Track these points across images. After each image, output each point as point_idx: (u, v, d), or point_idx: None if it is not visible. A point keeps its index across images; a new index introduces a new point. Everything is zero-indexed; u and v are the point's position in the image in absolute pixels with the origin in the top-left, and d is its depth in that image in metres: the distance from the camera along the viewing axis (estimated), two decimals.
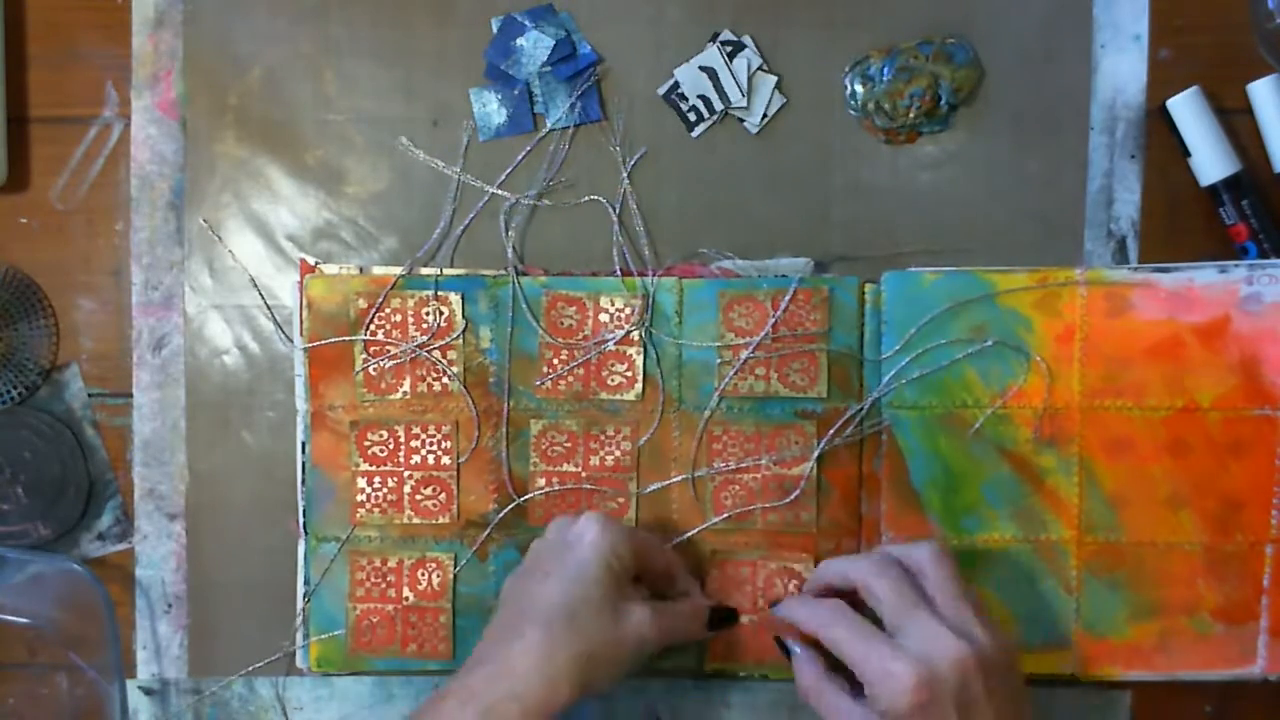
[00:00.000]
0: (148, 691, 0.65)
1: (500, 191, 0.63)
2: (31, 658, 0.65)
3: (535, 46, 0.62)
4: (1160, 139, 0.62)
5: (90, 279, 0.64)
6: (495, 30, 0.63)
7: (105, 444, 0.65)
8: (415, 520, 0.63)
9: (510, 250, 0.63)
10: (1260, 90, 0.61)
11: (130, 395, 0.64)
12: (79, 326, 0.65)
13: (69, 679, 0.65)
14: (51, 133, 0.64)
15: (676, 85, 0.63)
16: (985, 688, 0.51)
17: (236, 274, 0.64)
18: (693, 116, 0.63)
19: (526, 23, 0.62)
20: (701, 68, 0.62)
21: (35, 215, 0.64)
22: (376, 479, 0.63)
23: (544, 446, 0.63)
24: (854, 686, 0.54)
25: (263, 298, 0.64)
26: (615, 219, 0.63)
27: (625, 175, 0.63)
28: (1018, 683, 0.53)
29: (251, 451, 0.64)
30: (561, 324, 0.63)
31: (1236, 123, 0.62)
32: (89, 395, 0.65)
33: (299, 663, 0.64)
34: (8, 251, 0.64)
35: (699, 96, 0.63)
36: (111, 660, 0.63)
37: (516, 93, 0.63)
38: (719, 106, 0.63)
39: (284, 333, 0.63)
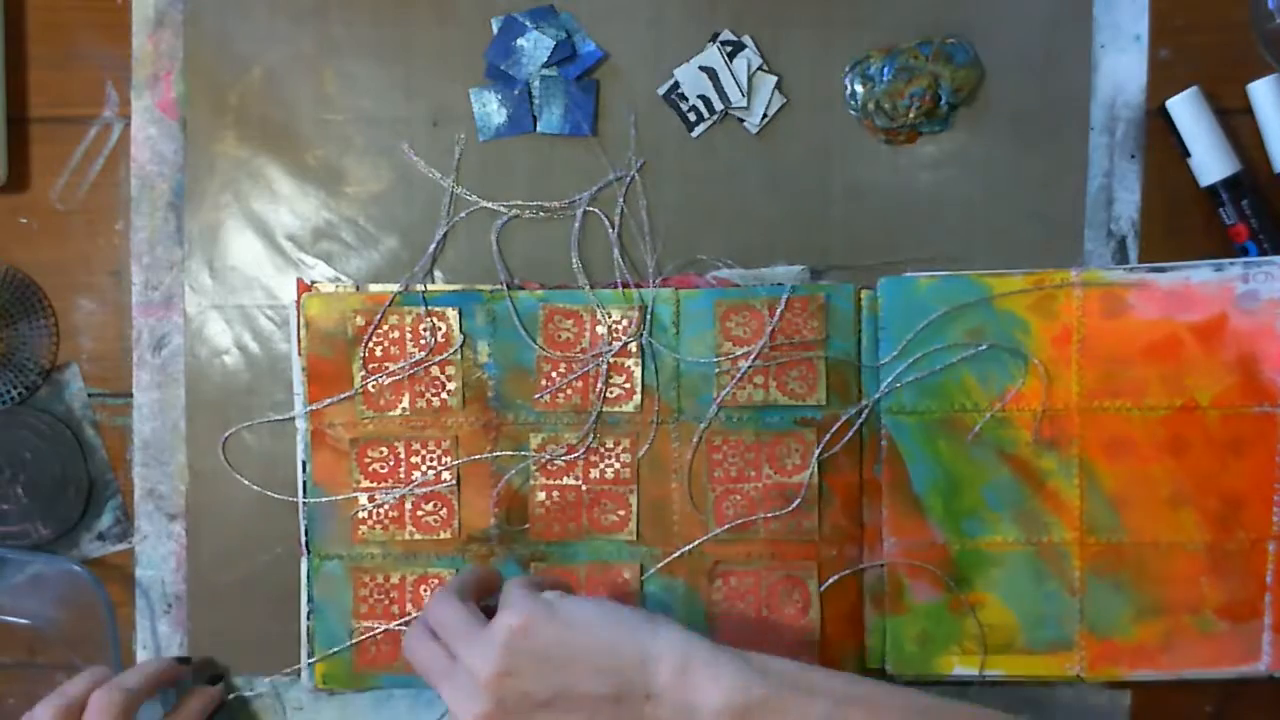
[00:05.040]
0: None
1: (493, 205, 0.63)
2: (31, 658, 0.65)
3: (535, 47, 0.62)
4: (1160, 139, 0.62)
5: (90, 279, 0.65)
6: (495, 30, 0.63)
7: (105, 444, 0.65)
8: (417, 536, 0.63)
9: (502, 266, 0.63)
10: (1260, 90, 0.61)
11: (130, 395, 0.64)
12: (79, 326, 0.65)
13: (69, 679, 0.65)
14: (51, 133, 0.64)
15: (676, 85, 0.63)
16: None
17: (236, 274, 0.64)
18: (693, 116, 0.63)
19: (527, 23, 0.62)
20: (701, 68, 0.62)
21: (35, 215, 0.64)
22: (378, 495, 0.63)
23: (544, 460, 0.63)
24: None
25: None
26: (614, 233, 0.63)
27: (622, 191, 0.63)
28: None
29: (251, 451, 0.64)
30: (559, 337, 0.63)
31: (1236, 123, 0.62)
32: (89, 395, 0.65)
33: (304, 682, 0.63)
34: (8, 251, 0.64)
35: (699, 96, 0.63)
36: (111, 660, 0.63)
37: (516, 93, 0.63)
38: (719, 106, 0.63)
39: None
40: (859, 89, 0.62)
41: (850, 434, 0.62)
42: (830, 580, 0.63)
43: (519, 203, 0.63)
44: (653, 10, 0.63)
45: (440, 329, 0.63)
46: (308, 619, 0.63)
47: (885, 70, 0.62)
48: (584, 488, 0.63)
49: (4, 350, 0.64)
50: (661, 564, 0.63)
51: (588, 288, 0.63)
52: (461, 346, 0.63)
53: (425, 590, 0.63)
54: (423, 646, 0.53)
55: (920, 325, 0.62)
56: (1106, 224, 0.63)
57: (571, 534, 0.63)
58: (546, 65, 0.62)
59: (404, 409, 0.63)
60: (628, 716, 0.49)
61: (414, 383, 0.63)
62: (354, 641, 0.63)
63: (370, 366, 0.63)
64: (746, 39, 0.63)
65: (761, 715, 0.48)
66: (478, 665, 0.50)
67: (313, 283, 0.63)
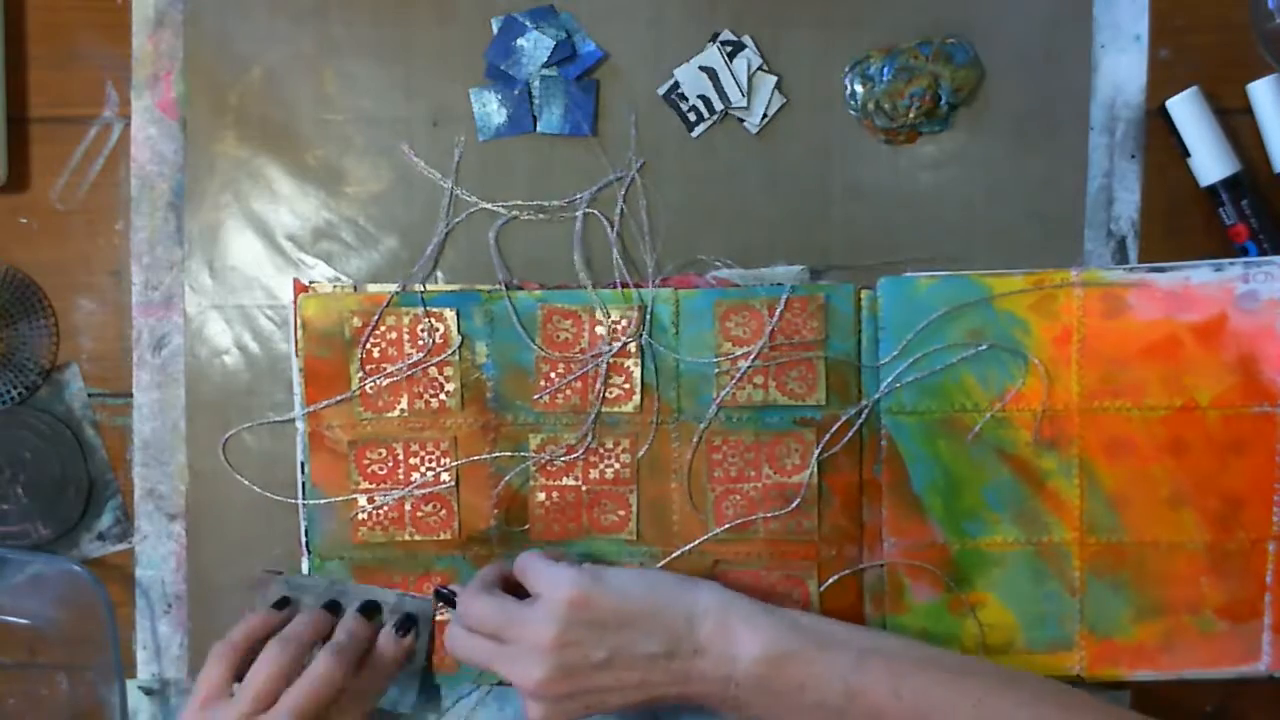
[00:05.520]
0: (148, 691, 0.65)
1: (493, 205, 0.63)
2: (31, 658, 0.65)
3: (535, 47, 0.62)
4: (1160, 139, 0.62)
5: (90, 279, 0.65)
6: (495, 30, 0.63)
7: (105, 444, 0.65)
8: (417, 537, 0.63)
9: (501, 266, 0.63)
10: (1260, 90, 0.61)
11: (130, 395, 0.64)
12: (79, 326, 0.65)
13: (69, 679, 0.65)
14: (51, 133, 0.64)
15: (676, 85, 0.63)
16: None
17: (236, 274, 0.64)
18: (693, 116, 0.63)
19: (527, 23, 0.62)
20: (701, 68, 0.62)
21: (35, 215, 0.64)
22: (377, 497, 0.63)
23: (543, 460, 0.63)
24: None
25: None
26: (613, 233, 0.63)
27: (622, 191, 0.63)
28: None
29: (251, 452, 0.64)
30: (558, 337, 0.63)
31: (1236, 123, 0.62)
32: (89, 395, 0.65)
33: None
34: (8, 251, 0.64)
35: (699, 96, 0.63)
36: (111, 660, 0.63)
37: (516, 93, 0.63)
38: (719, 106, 0.63)
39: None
40: (859, 89, 0.62)
41: (850, 434, 0.62)
42: (830, 580, 0.63)
43: (519, 203, 0.63)
44: (653, 10, 0.63)
45: (438, 330, 0.63)
46: None
47: (885, 70, 0.62)
48: (584, 488, 0.63)
49: (4, 350, 0.64)
50: (661, 564, 0.63)
51: (589, 288, 0.63)
52: (460, 347, 0.63)
53: (427, 588, 0.63)
54: (467, 639, 0.58)
55: (920, 325, 0.62)
56: (1106, 224, 0.63)
57: (571, 534, 0.63)
58: (546, 65, 0.62)
59: (402, 410, 0.63)
60: (679, 669, 0.55)
61: (412, 384, 0.63)
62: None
63: (368, 368, 0.63)
64: (746, 39, 0.63)
65: (793, 664, 0.54)
66: (537, 637, 0.55)
67: (310, 283, 0.63)
